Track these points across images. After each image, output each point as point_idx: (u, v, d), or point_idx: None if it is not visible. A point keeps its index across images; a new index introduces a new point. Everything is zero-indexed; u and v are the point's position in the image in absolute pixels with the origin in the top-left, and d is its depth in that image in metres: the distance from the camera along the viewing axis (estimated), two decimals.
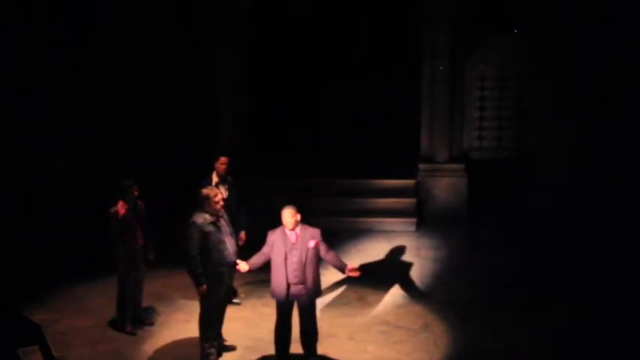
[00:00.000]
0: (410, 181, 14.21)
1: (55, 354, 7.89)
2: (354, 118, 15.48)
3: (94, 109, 13.82)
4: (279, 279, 8.52)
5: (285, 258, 8.46)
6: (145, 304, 10.34)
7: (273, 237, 8.55)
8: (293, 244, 8.48)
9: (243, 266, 8.68)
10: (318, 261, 8.61)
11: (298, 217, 8.49)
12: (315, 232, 8.58)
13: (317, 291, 8.69)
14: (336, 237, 12.43)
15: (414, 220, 13.52)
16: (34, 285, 10.81)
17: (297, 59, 15.40)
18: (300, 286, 8.51)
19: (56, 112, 13.70)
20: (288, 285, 8.49)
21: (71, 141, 13.71)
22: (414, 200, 13.87)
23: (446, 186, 14.08)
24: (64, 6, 13.58)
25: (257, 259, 8.69)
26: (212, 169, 10.37)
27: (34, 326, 7.99)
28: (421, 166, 14.18)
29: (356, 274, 8.69)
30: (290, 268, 8.47)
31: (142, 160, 13.47)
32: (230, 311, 10.20)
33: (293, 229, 8.47)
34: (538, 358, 9.21)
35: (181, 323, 9.93)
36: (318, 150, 14.93)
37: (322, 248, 8.59)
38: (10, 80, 13.31)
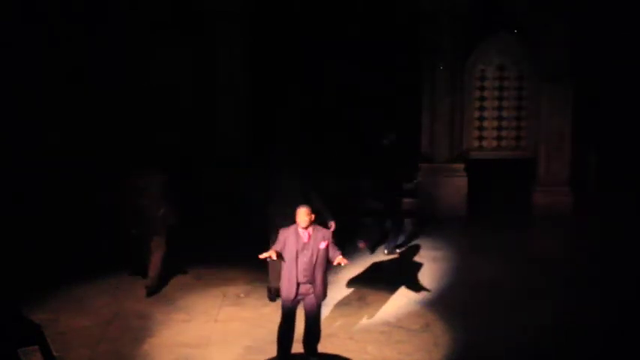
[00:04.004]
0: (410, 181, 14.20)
1: (55, 354, 7.88)
2: (353, 118, 15.46)
3: (92, 109, 13.81)
4: (289, 277, 8.53)
5: (297, 257, 8.48)
6: (144, 304, 10.45)
7: (286, 234, 8.56)
8: (305, 243, 8.49)
9: (272, 254, 8.47)
10: (327, 262, 8.64)
11: (312, 216, 8.53)
12: (327, 233, 8.64)
13: (324, 292, 8.70)
14: (336, 237, 12.36)
15: (414, 220, 13.50)
16: (34, 285, 10.79)
17: (297, 59, 15.40)
18: (309, 286, 8.54)
19: (56, 111, 13.70)
20: (298, 284, 8.51)
21: (70, 140, 13.71)
22: (413, 200, 13.86)
23: (446, 186, 14.08)
24: (63, 5, 13.57)
25: (276, 248, 8.57)
26: None
27: (34, 326, 7.98)
28: (421, 165, 14.18)
29: (343, 261, 8.67)
30: (300, 268, 8.48)
31: (141, 161, 13.46)
32: (231, 311, 10.23)
33: (306, 228, 8.49)
34: (539, 359, 9.22)
35: (181, 323, 9.93)
36: (318, 149, 14.91)
37: (332, 250, 8.63)
38: (9, 79, 13.33)
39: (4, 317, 7.93)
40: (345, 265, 8.81)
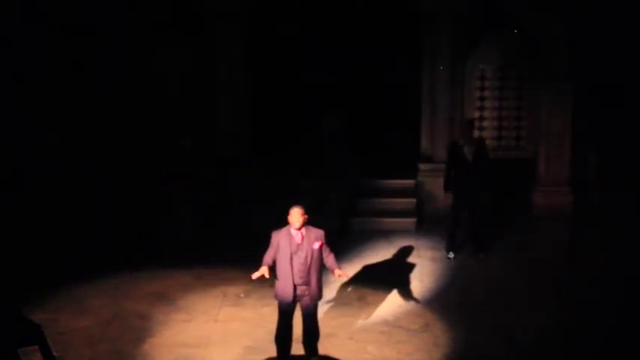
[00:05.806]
0: (410, 181, 14.20)
1: (55, 354, 7.88)
2: (353, 118, 15.45)
3: (92, 109, 13.80)
4: (285, 280, 8.50)
5: (291, 259, 8.46)
6: (144, 304, 10.46)
7: (278, 237, 8.52)
8: (298, 244, 8.47)
9: (264, 272, 8.50)
10: (322, 263, 8.63)
11: (306, 217, 8.48)
12: (320, 233, 8.58)
13: (319, 293, 8.69)
14: (336, 237, 12.39)
15: (413, 220, 13.51)
16: (34, 285, 10.80)
17: (298, 59, 15.40)
18: (305, 287, 8.53)
19: (56, 111, 13.70)
20: (295, 286, 8.50)
21: (70, 140, 13.70)
22: (413, 200, 13.87)
23: None
24: (63, 5, 13.57)
25: (268, 258, 8.58)
26: None
27: (34, 326, 7.98)
28: (421, 165, 14.18)
29: (344, 276, 8.85)
30: (296, 269, 8.46)
31: (141, 161, 13.47)
32: (231, 311, 10.24)
33: (299, 229, 8.47)
34: (539, 359, 9.21)
35: (181, 323, 9.93)
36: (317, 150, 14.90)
37: (325, 250, 8.61)
38: (9, 79, 13.33)
39: (4, 317, 7.94)
40: (347, 278, 8.92)
